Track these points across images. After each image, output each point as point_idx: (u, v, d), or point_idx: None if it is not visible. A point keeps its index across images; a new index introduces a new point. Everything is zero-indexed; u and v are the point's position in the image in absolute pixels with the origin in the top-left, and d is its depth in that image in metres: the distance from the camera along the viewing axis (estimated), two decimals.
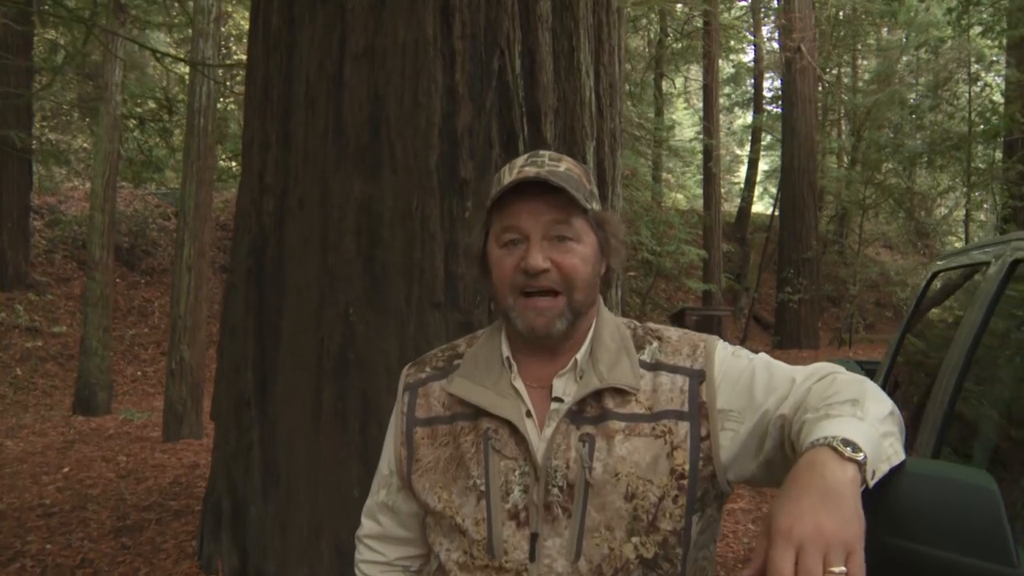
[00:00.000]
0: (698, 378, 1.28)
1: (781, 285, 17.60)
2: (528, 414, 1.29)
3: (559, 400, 1.29)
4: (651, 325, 1.39)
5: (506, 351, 1.35)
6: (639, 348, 1.32)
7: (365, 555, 1.50)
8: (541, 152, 1.33)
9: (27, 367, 11.52)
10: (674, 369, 1.29)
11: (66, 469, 6.39)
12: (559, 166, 1.29)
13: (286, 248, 3.71)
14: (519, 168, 1.29)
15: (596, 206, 1.33)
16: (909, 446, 2.36)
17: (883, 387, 3.08)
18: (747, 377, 1.27)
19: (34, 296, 12.64)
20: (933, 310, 3.05)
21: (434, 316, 3.26)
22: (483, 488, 1.28)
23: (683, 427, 1.25)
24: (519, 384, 1.32)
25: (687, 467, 1.23)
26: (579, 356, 1.31)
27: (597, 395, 1.27)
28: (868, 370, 4.07)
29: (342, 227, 3.31)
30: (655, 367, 1.30)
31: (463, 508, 1.29)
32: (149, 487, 5.75)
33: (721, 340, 1.35)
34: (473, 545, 1.28)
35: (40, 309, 12.56)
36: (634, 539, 1.23)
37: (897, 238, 24.42)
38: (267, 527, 3.78)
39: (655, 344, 1.33)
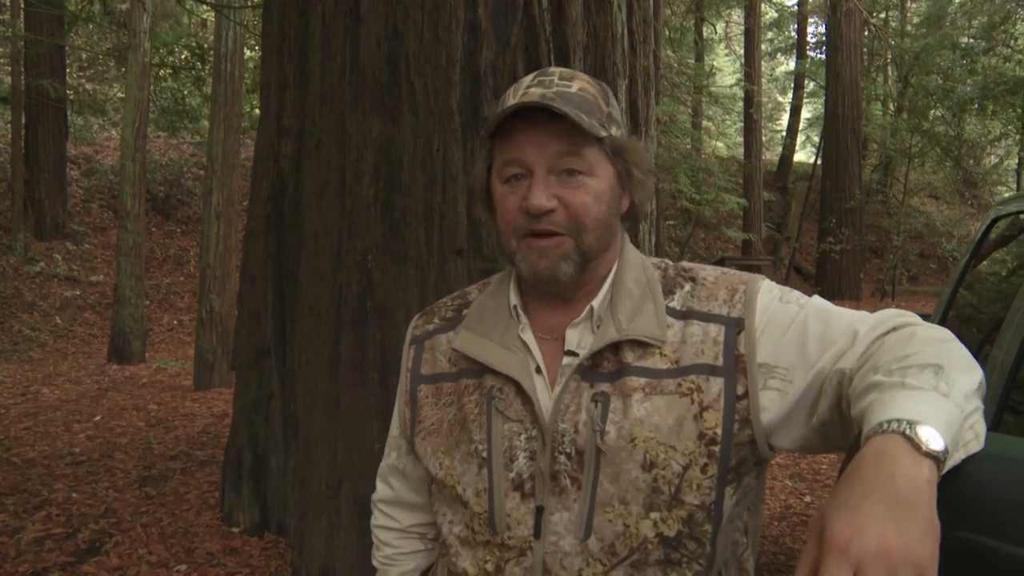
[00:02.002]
0: (736, 327, 1.08)
1: (823, 235, 17.22)
2: (537, 370, 1.13)
3: (572, 354, 1.12)
4: (685, 265, 1.18)
5: (514, 299, 1.18)
6: (668, 293, 1.13)
7: (380, 520, 1.38)
8: (551, 70, 1.14)
9: (66, 316, 11.65)
10: (707, 317, 1.10)
11: (98, 417, 6.41)
12: (570, 86, 1.10)
13: (304, 193, 3.58)
14: (524, 89, 1.10)
15: (617, 131, 1.13)
16: None
17: None
18: (798, 327, 1.07)
19: (72, 246, 12.75)
20: (994, 258, 2.83)
21: (456, 264, 3.12)
22: (485, 455, 1.13)
23: (716, 384, 1.06)
24: (528, 336, 1.15)
25: (719, 431, 1.05)
26: (596, 303, 1.13)
27: (615, 348, 1.09)
28: None
29: (360, 171, 3.16)
30: (686, 315, 1.11)
31: (464, 476, 1.15)
32: (177, 436, 5.74)
33: (766, 280, 1.14)
34: (474, 518, 1.14)
35: (78, 258, 12.67)
36: (653, 515, 1.05)
37: (944, 188, 23.80)
38: (287, 480, 3.72)
39: (687, 287, 1.13)
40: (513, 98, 1.10)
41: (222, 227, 7.95)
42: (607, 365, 1.10)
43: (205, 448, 5.39)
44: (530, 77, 1.14)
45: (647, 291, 1.13)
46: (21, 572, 3.46)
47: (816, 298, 1.14)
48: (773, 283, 1.15)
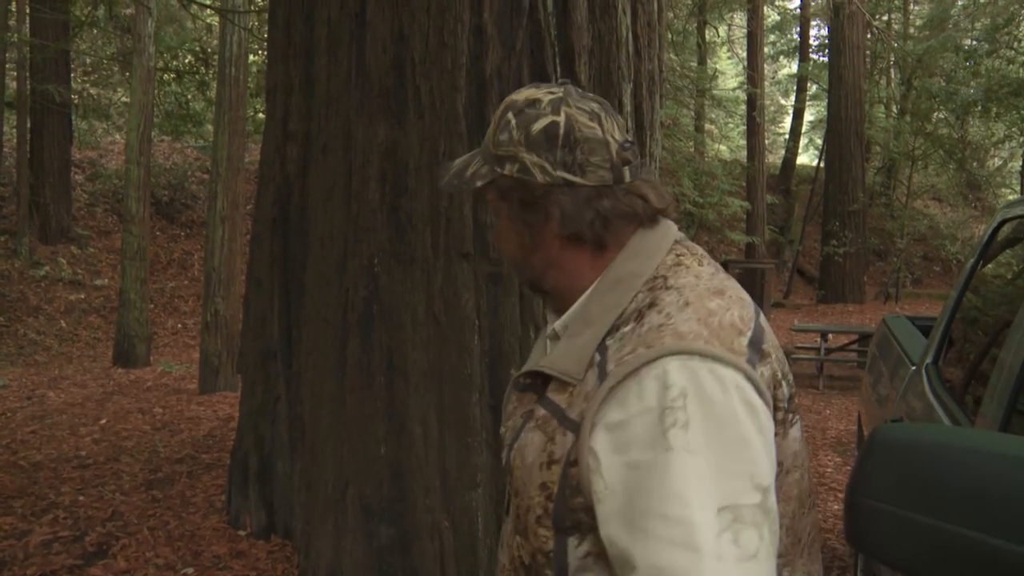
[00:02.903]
0: (600, 381, 0.97)
1: (826, 238, 17.21)
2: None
3: None
4: (663, 295, 1.01)
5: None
6: (617, 328, 1.02)
7: None
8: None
9: (71, 319, 11.67)
10: (602, 367, 0.98)
11: (103, 421, 6.42)
12: (488, 132, 1.13)
13: (310, 197, 3.59)
14: None
15: (510, 167, 1.07)
16: (971, 415, 2.19)
17: (940, 345, 2.89)
18: (636, 474, 0.89)
19: (76, 249, 12.77)
20: (999, 261, 2.84)
21: (462, 267, 3.13)
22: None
23: (568, 440, 0.97)
24: (544, 342, 1.19)
25: (555, 489, 0.98)
26: (558, 323, 1.12)
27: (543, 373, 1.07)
28: (923, 327, 3.87)
29: (366, 174, 3.17)
30: (603, 356, 1.00)
31: None
32: (183, 440, 5.75)
33: (680, 360, 0.92)
34: None
35: (83, 262, 12.68)
36: (517, 537, 1.06)
37: (947, 190, 23.76)
38: (293, 483, 3.73)
39: (629, 326, 1.00)
40: None
41: (227, 231, 7.96)
42: (541, 386, 1.08)
43: (211, 451, 5.40)
44: None
45: (598, 320, 1.04)
46: (29, 575, 3.48)
47: (678, 457, 0.87)
48: (687, 372, 0.91)
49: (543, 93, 1.08)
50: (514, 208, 1.09)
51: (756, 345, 0.98)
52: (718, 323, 0.96)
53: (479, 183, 1.09)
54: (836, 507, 4.72)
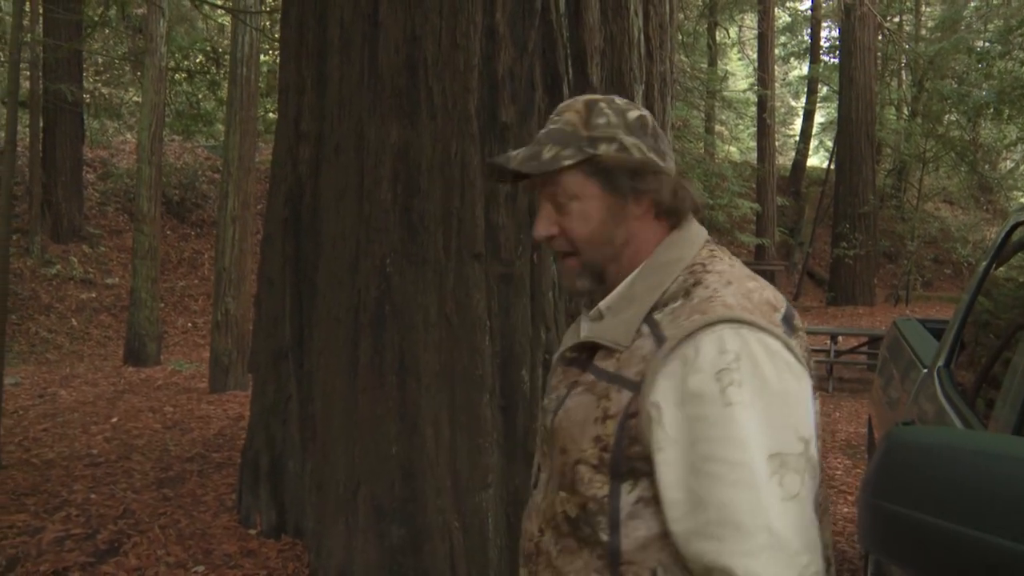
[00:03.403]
0: (659, 344, 1.10)
1: (836, 240, 17.14)
2: None
3: None
4: (705, 277, 1.16)
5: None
6: (665, 304, 1.16)
7: None
8: (558, 108, 1.28)
9: (82, 318, 11.72)
10: (658, 335, 1.13)
11: (114, 419, 6.45)
12: (557, 122, 1.24)
13: (322, 197, 3.60)
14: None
15: (607, 147, 1.20)
16: (983, 419, 2.18)
17: (952, 348, 2.88)
18: (697, 429, 1.04)
19: (88, 248, 12.82)
20: (1011, 264, 2.83)
21: (474, 268, 3.14)
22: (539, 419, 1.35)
23: (624, 397, 1.11)
24: (583, 325, 1.31)
25: (612, 441, 1.11)
26: (602, 304, 1.25)
27: (592, 345, 1.21)
28: (934, 330, 3.86)
29: (378, 175, 3.18)
30: (654, 327, 1.14)
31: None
32: (193, 438, 5.78)
33: (731, 327, 1.07)
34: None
35: (94, 261, 12.74)
36: (561, 493, 1.19)
37: (958, 193, 23.62)
38: (304, 483, 3.74)
39: (678, 302, 1.14)
40: None
41: (238, 230, 7.99)
42: (587, 359, 1.22)
43: (221, 450, 5.42)
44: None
45: (643, 297, 1.19)
46: (42, 571, 3.50)
47: (739, 411, 1.03)
48: (738, 337, 1.06)
49: (612, 96, 1.28)
50: (617, 182, 1.20)
51: (788, 321, 1.15)
52: (757, 299, 1.13)
53: (567, 162, 1.19)
54: (846, 510, 4.71)
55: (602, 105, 1.23)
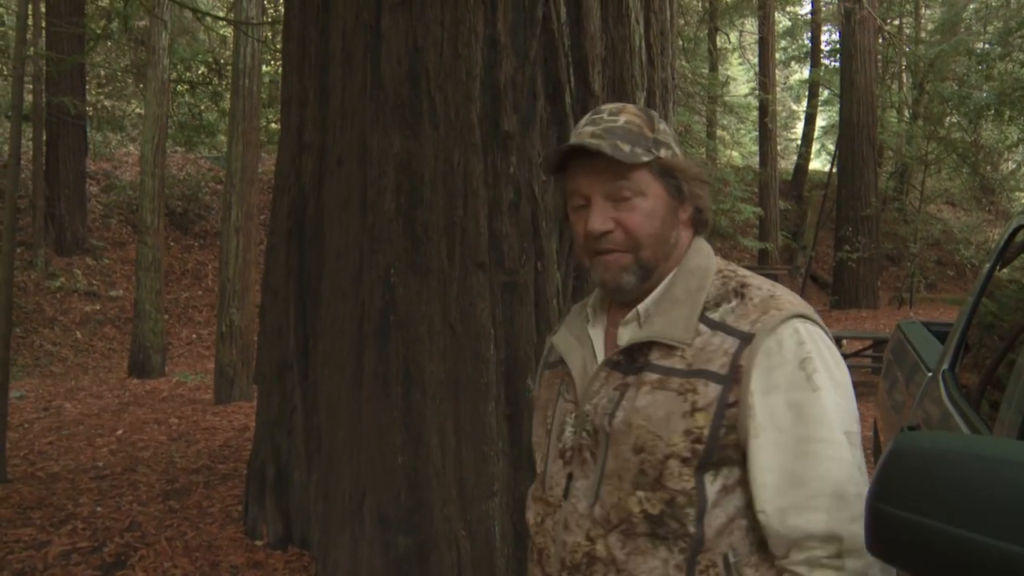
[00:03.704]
0: (746, 341, 1.19)
1: (839, 243, 17.13)
2: (596, 359, 1.33)
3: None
4: (747, 280, 1.28)
5: (593, 301, 1.40)
6: (717, 305, 1.25)
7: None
8: (603, 107, 1.32)
9: (86, 330, 11.74)
10: (731, 331, 1.21)
11: (120, 431, 6.46)
12: (617, 120, 1.28)
13: (325, 208, 3.61)
14: (578, 130, 1.30)
15: (667, 152, 1.29)
16: (989, 422, 2.18)
17: (957, 351, 2.88)
18: (789, 414, 1.16)
19: (91, 261, 12.85)
20: (1014, 266, 2.82)
21: (478, 277, 3.14)
22: (549, 427, 1.37)
23: (713, 389, 1.18)
24: (594, 332, 1.36)
25: (706, 432, 1.17)
26: (641, 306, 1.30)
27: (645, 345, 1.26)
28: (938, 332, 3.86)
29: (381, 185, 3.19)
30: (718, 326, 1.23)
31: (541, 444, 1.39)
32: (199, 450, 5.78)
33: (801, 323, 1.20)
34: (538, 478, 1.39)
35: (98, 273, 12.76)
36: (639, 493, 1.20)
37: (960, 195, 23.62)
38: (310, 493, 3.74)
39: (733, 303, 1.24)
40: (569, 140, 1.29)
41: (241, 241, 8.00)
42: (640, 360, 1.26)
43: (227, 462, 5.42)
44: (586, 118, 1.33)
45: (690, 298, 1.26)
46: None
47: (825, 394, 1.16)
48: (807, 330, 1.20)
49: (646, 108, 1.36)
50: (669, 187, 1.28)
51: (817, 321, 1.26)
52: (803, 301, 1.25)
53: (645, 158, 1.25)
54: None
55: (654, 114, 1.32)
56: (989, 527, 0.90)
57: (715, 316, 1.23)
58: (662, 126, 1.30)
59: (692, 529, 1.18)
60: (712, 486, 1.19)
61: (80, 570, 3.65)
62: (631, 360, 1.26)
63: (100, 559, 3.77)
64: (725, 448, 1.18)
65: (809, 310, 1.23)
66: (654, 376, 1.22)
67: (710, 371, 1.19)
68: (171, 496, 4.65)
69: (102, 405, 7.71)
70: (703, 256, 1.32)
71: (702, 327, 1.23)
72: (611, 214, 1.25)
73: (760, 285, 1.26)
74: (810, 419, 1.15)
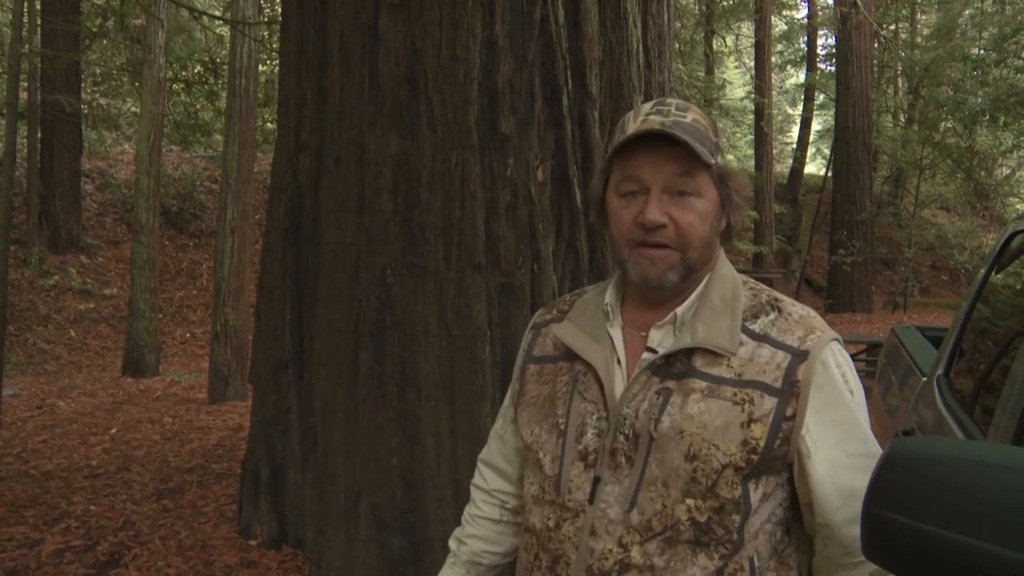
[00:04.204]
0: (801, 357, 1.21)
1: (834, 247, 17.16)
2: (617, 361, 1.29)
3: (652, 351, 1.28)
4: (777, 295, 1.32)
5: (609, 298, 1.35)
6: (755, 316, 1.27)
7: (476, 477, 1.59)
8: (668, 100, 1.28)
9: (80, 329, 11.71)
10: (779, 345, 1.23)
11: (113, 430, 6.45)
12: (685, 116, 1.25)
13: (322, 208, 3.61)
14: (644, 116, 1.25)
15: (721, 160, 1.28)
16: (983, 427, 2.19)
17: (952, 356, 2.89)
18: (841, 434, 1.24)
19: (86, 259, 12.82)
20: (1008, 271, 2.84)
21: (474, 278, 3.14)
22: (563, 427, 1.30)
23: (769, 401, 1.20)
24: (614, 331, 1.32)
25: (762, 443, 1.19)
26: (680, 310, 1.28)
27: (688, 352, 1.24)
28: (933, 337, 3.87)
29: (378, 186, 3.19)
30: (761, 338, 1.24)
31: (546, 444, 1.33)
32: (193, 449, 5.77)
33: (837, 343, 1.26)
34: (546, 480, 1.31)
35: (92, 272, 12.73)
36: (688, 500, 1.19)
37: (955, 200, 23.68)
38: (305, 493, 3.74)
39: (772, 316, 1.27)
40: (634, 123, 1.25)
41: (236, 241, 7.99)
42: (678, 366, 1.24)
43: (221, 461, 5.41)
44: (649, 105, 1.28)
45: (729, 306, 1.26)
46: None
47: (860, 413, 1.26)
48: (843, 353, 1.26)
49: None
50: (722, 194, 1.28)
51: None
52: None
53: (712, 160, 1.24)
54: None
55: (715, 123, 1.32)
56: (985, 532, 0.90)
57: (755, 327, 1.25)
58: (719, 134, 1.32)
59: (735, 536, 1.20)
60: (755, 493, 1.21)
61: (73, 569, 3.64)
62: (668, 365, 1.25)
63: (93, 558, 3.76)
64: (775, 459, 1.21)
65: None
66: (703, 384, 1.22)
67: (764, 383, 1.20)
68: (165, 495, 4.64)
69: (96, 404, 7.70)
70: (727, 266, 1.34)
71: (744, 337, 1.24)
72: (665, 208, 1.23)
73: (791, 303, 1.30)
74: (856, 437, 1.23)
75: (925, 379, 3.04)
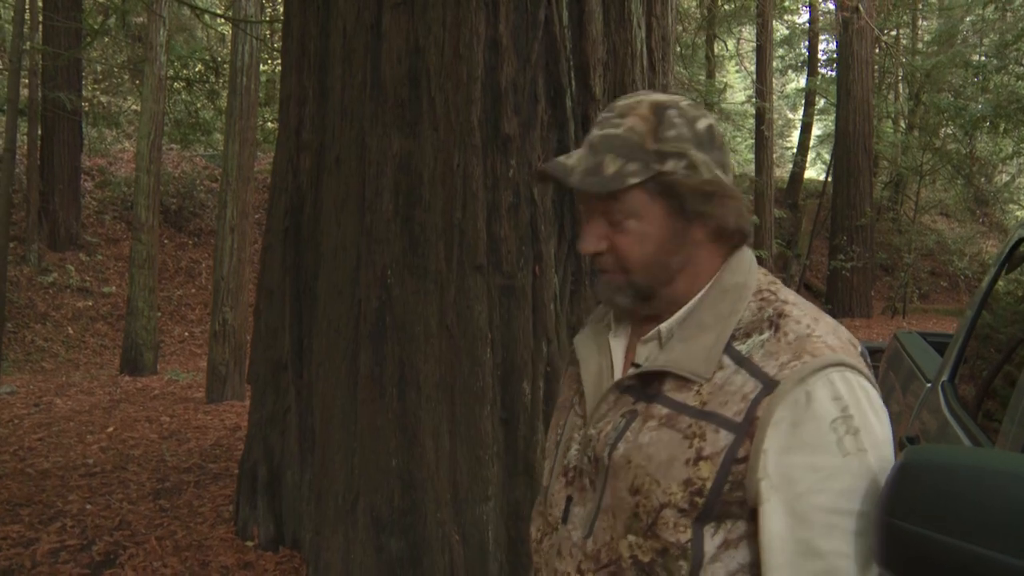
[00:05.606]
0: (769, 389, 1.03)
1: (833, 252, 17.17)
2: (612, 373, 1.20)
3: (637, 366, 1.17)
4: (787, 309, 1.10)
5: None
6: (747, 335, 1.09)
7: None
8: (616, 104, 1.15)
9: (78, 326, 11.68)
10: (755, 371, 1.05)
11: (110, 429, 6.42)
12: (620, 126, 1.11)
13: (323, 208, 3.59)
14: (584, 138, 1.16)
15: (673, 163, 1.09)
16: (990, 434, 2.17)
17: (957, 363, 2.88)
18: (816, 477, 1.00)
19: (85, 257, 12.79)
20: (1009, 278, 2.82)
21: (476, 279, 3.12)
22: (558, 439, 1.26)
23: (724, 438, 1.03)
24: (615, 342, 1.23)
25: (709, 485, 1.03)
26: (663, 326, 1.15)
27: (660, 373, 1.11)
28: (936, 343, 3.85)
29: (380, 186, 3.17)
30: (742, 362, 1.07)
31: (550, 453, 1.29)
32: (190, 448, 5.75)
33: (841, 376, 1.02)
34: (542, 491, 1.28)
35: (91, 269, 12.71)
36: (631, 537, 1.08)
37: (955, 206, 23.69)
38: (303, 494, 3.72)
39: (766, 334, 1.08)
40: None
41: (236, 240, 7.97)
42: (653, 387, 1.12)
43: (218, 461, 5.39)
44: (600, 117, 1.17)
45: (718, 324, 1.11)
46: None
47: (858, 460, 1.01)
48: (846, 382, 1.02)
49: (678, 98, 1.15)
50: (681, 204, 1.11)
51: (865, 358, 1.09)
52: (846, 338, 1.09)
53: (632, 181, 1.08)
54: None
55: (671, 112, 1.11)
56: (1004, 543, 0.88)
57: (743, 348, 1.08)
58: (673, 132, 1.10)
59: None
60: (712, 540, 1.05)
61: (68, 568, 3.62)
62: (645, 385, 1.13)
63: (89, 557, 3.74)
64: (728, 504, 1.04)
65: (851, 354, 1.05)
66: (664, 410, 1.09)
67: (723, 416, 1.04)
68: (161, 495, 4.62)
69: (93, 402, 7.67)
70: (741, 273, 1.15)
71: (726, 359, 1.08)
72: (604, 232, 1.13)
73: (800, 317, 1.08)
74: (832, 489, 1.00)
75: (929, 385, 3.02)
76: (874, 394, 1.04)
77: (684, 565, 1.05)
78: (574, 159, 1.12)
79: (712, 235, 1.14)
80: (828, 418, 1.00)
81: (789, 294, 1.14)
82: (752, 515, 1.04)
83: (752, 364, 1.06)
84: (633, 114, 1.12)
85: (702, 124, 1.12)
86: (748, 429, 1.02)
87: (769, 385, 1.03)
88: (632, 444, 1.09)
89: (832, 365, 1.02)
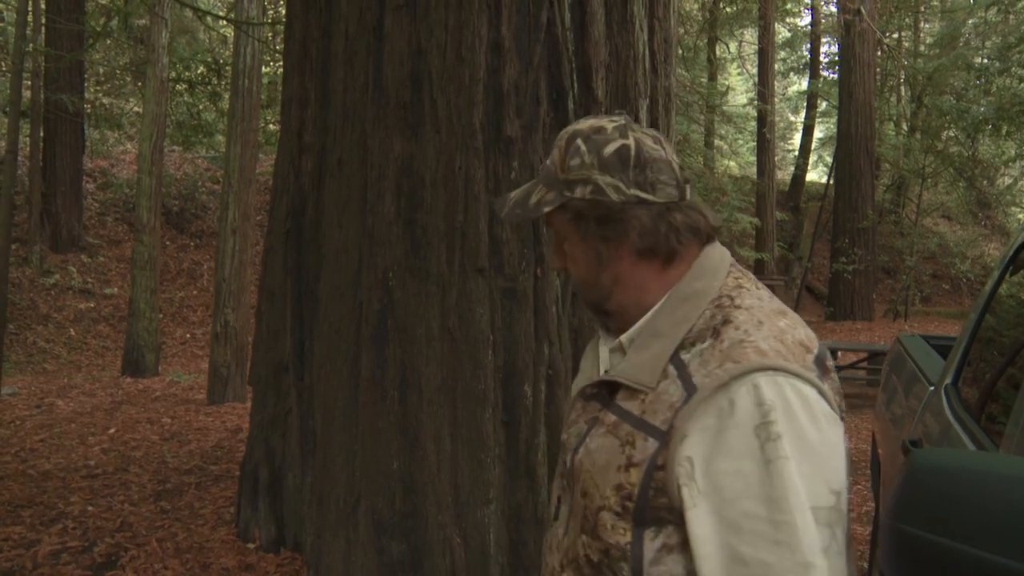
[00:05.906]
0: (690, 396, 1.04)
1: (835, 255, 17.15)
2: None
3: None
4: (734, 315, 1.09)
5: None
6: (693, 343, 1.09)
7: None
8: (563, 132, 1.21)
9: (80, 328, 11.69)
10: (686, 380, 1.06)
11: (112, 430, 6.42)
12: (548, 160, 1.21)
13: (325, 210, 3.59)
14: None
15: (581, 190, 1.14)
16: (995, 438, 2.16)
17: (960, 366, 2.87)
18: (738, 486, 0.99)
19: (87, 258, 12.80)
20: (1011, 281, 2.81)
21: (477, 282, 3.12)
22: (564, 439, 1.28)
23: (651, 445, 1.05)
24: (603, 350, 1.26)
25: (636, 491, 1.06)
26: (624, 336, 1.19)
27: (617, 382, 1.15)
28: (938, 346, 3.84)
29: (381, 188, 3.17)
30: (682, 370, 1.07)
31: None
32: (191, 450, 5.74)
33: (765, 375, 1.01)
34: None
35: (92, 271, 12.71)
36: (583, 537, 1.14)
37: (957, 208, 23.68)
38: (304, 496, 3.71)
39: (707, 342, 1.07)
40: None
41: (238, 242, 7.97)
42: (612, 395, 1.16)
43: (220, 463, 5.39)
44: None
45: (670, 333, 1.12)
46: None
47: (784, 466, 0.97)
48: (773, 387, 1.00)
49: (606, 122, 1.18)
50: (589, 228, 1.16)
51: (820, 362, 1.08)
52: (791, 341, 1.06)
53: (546, 208, 1.17)
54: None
55: (579, 142, 1.16)
56: (1006, 547, 0.88)
57: (686, 357, 1.08)
58: (576, 160, 1.15)
59: None
60: (652, 543, 1.06)
61: (70, 570, 3.62)
62: (609, 393, 1.16)
63: (90, 559, 3.73)
64: (657, 509, 1.05)
65: (791, 359, 1.03)
66: (612, 418, 1.12)
67: (652, 424, 1.06)
68: (163, 496, 4.61)
69: (95, 403, 7.67)
70: (704, 279, 1.15)
71: (671, 368, 1.08)
72: (561, 253, 1.24)
73: (742, 323, 1.07)
74: (759, 494, 0.97)
75: (932, 388, 3.02)
76: (813, 398, 1.01)
77: (625, 567, 1.08)
78: (516, 192, 1.24)
79: (640, 252, 1.16)
80: (751, 424, 0.99)
81: (750, 299, 1.12)
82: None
83: (686, 372, 1.06)
84: (556, 146, 1.20)
85: (610, 148, 1.14)
86: (666, 437, 1.04)
87: (691, 393, 1.04)
88: (585, 450, 1.15)
89: (758, 370, 1.01)
